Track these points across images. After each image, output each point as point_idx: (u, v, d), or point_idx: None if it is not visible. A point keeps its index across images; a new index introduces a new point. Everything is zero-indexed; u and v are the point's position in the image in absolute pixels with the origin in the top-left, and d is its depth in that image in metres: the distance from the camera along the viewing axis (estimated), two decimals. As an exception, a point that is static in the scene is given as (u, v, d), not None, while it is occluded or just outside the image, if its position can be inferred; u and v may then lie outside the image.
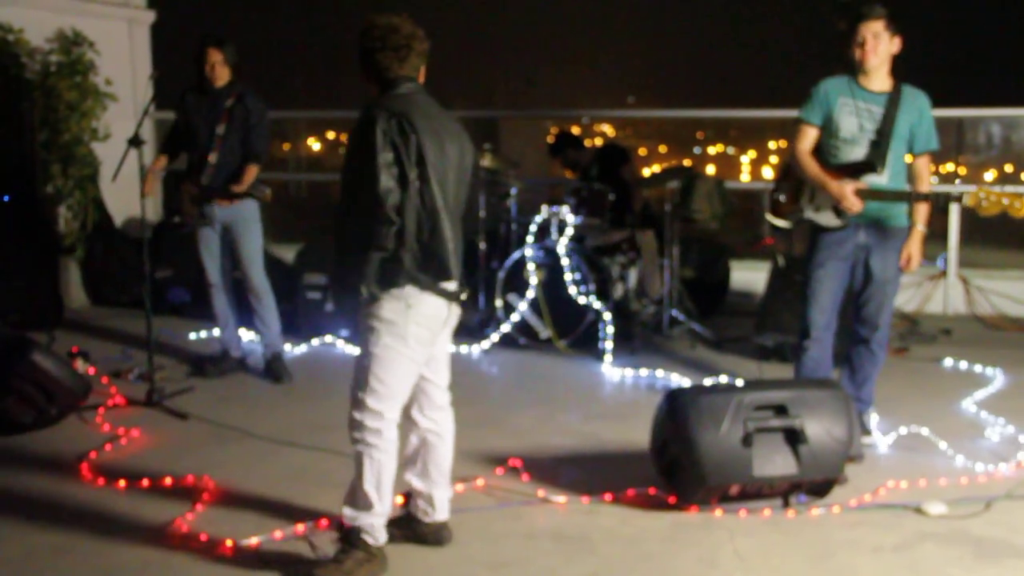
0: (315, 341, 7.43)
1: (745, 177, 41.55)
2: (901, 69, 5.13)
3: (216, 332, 6.97)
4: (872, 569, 3.93)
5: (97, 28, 9.22)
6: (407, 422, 3.97)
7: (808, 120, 5.18)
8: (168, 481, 4.71)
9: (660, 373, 6.69)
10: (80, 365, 6.51)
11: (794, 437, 4.31)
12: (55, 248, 8.49)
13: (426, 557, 4.00)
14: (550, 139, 9.27)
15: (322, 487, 4.56)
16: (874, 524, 4.29)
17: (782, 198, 5.45)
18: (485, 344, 7.36)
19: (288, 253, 8.57)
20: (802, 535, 4.19)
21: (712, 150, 56.91)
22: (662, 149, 51.97)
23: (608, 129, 37.36)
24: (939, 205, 5.12)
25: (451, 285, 3.83)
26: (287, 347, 6.99)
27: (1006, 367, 6.81)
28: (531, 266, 7.33)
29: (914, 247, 5.09)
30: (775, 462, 4.30)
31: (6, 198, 8.00)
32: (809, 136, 5.19)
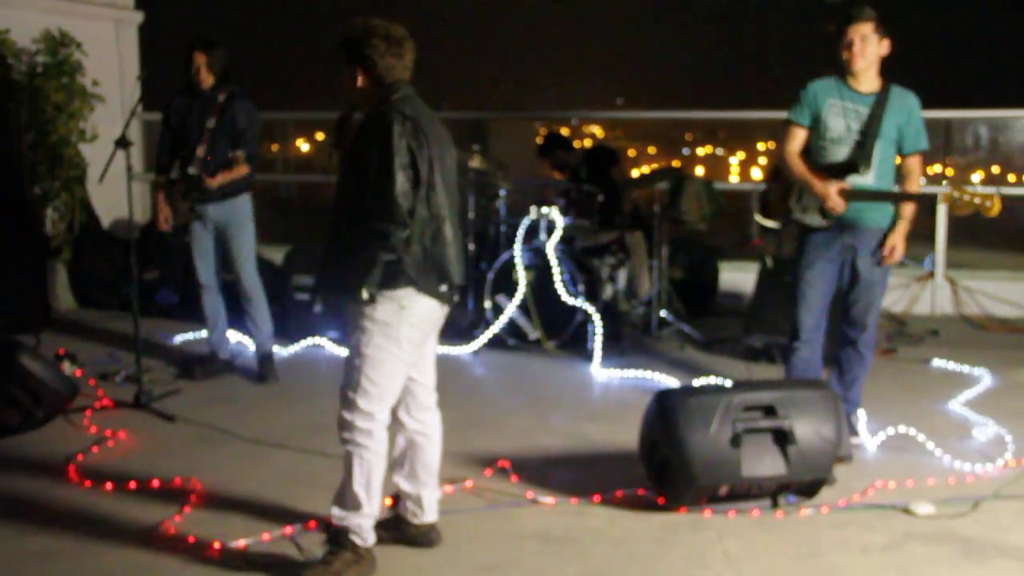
0: (303, 343, 7.42)
1: (734, 178, 41.65)
2: (890, 70, 5.15)
3: (204, 333, 6.95)
4: (860, 569, 3.93)
5: (84, 29, 9.19)
6: (394, 423, 3.96)
7: (797, 121, 5.19)
8: (156, 483, 4.69)
9: (649, 374, 6.69)
10: (67, 367, 6.50)
11: (783, 438, 4.32)
12: (42, 250, 8.45)
13: (415, 559, 4.00)
14: (539, 140, 9.27)
15: (310, 489, 4.55)
16: (862, 524, 4.30)
17: (772, 199, 5.47)
18: (474, 345, 7.36)
19: (276, 255, 8.55)
20: (791, 535, 4.20)
21: (701, 151, 57.05)
22: (651, 150, 52.07)
23: (597, 130, 37.41)
24: (924, 205, 5.12)
25: (447, 288, 3.84)
26: (275, 349, 6.96)
27: (993, 367, 6.83)
28: (520, 267, 7.33)
29: (898, 238, 5.07)
30: (764, 463, 4.31)
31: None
32: (798, 137, 5.20)
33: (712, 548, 4.08)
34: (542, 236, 7.46)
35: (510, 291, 7.38)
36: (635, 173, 9.03)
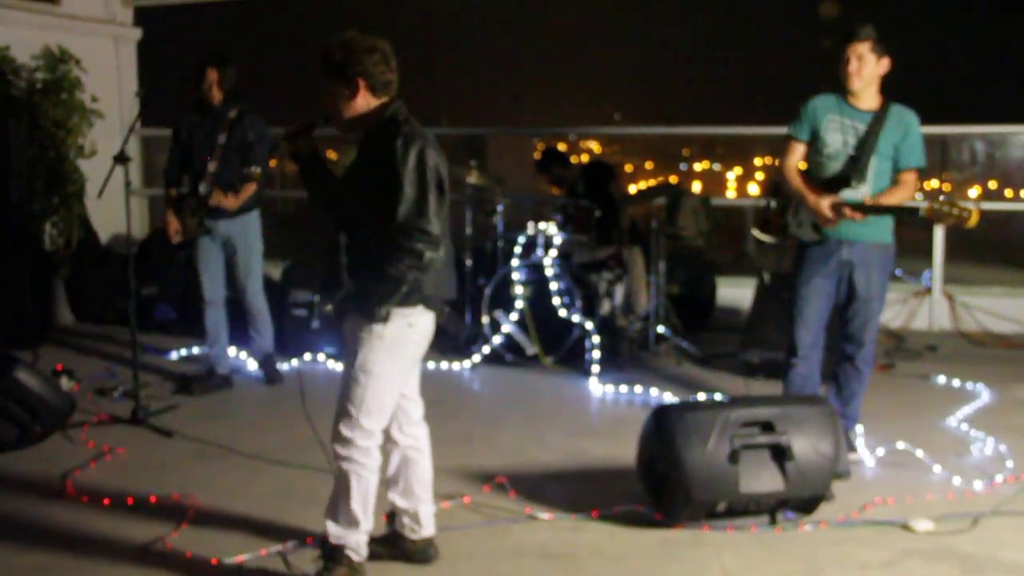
0: (301, 358, 7.42)
1: (731, 194, 41.69)
2: (887, 86, 5.16)
3: (203, 349, 6.95)
4: (859, 586, 3.93)
5: (83, 45, 9.22)
6: (387, 442, 3.94)
7: (796, 136, 5.21)
8: (153, 499, 4.68)
9: (646, 389, 6.69)
10: (65, 383, 6.50)
11: (781, 454, 4.31)
12: (41, 265, 8.45)
13: (412, 575, 3.98)
14: (536, 155, 9.29)
15: (308, 504, 4.54)
16: (861, 541, 4.29)
17: (770, 214, 5.48)
18: (472, 361, 7.36)
19: (274, 270, 8.56)
20: (789, 552, 4.19)
21: (698, 167, 57.15)
22: (648, 166, 52.19)
23: (595, 146, 37.51)
24: (914, 219, 5.13)
25: (446, 300, 3.88)
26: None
27: (991, 383, 6.83)
28: (518, 283, 7.33)
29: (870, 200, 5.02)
30: (762, 479, 4.30)
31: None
32: (797, 152, 5.22)
33: (710, 564, 4.07)
34: (539, 251, 7.47)
35: (508, 306, 7.38)
36: (632, 189, 9.06)
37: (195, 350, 7.64)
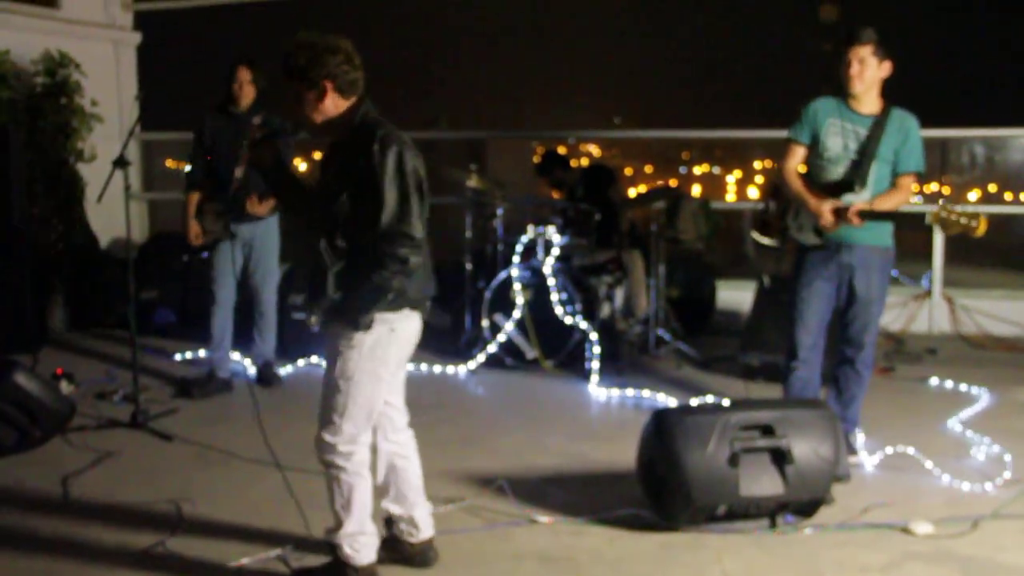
0: (300, 362, 7.42)
1: (730, 197, 41.64)
2: (886, 89, 5.16)
3: (205, 352, 6.96)
4: (859, 589, 3.93)
5: (83, 50, 9.23)
6: (372, 451, 3.94)
7: (796, 139, 5.21)
8: (153, 502, 4.68)
9: (646, 393, 6.69)
10: (64, 386, 6.49)
11: (781, 457, 4.31)
12: (40, 269, 8.45)
13: (412, 579, 3.99)
14: (536, 159, 9.29)
15: (308, 508, 4.53)
16: (861, 544, 4.29)
17: (769, 217, 5.48)
18: (471, 364, 7.36)
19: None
20: (789, 555, 4.19)
21: (698, 170, 57.08)
22: (648, 169, 52.12)
23: (594, 149, 37.45)
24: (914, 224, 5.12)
25: (427, 302, 3.86)
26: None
27: (991, 386, 6.83)
28: (517, 286, 7.33)
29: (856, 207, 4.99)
30: (762, 482, 4.30)
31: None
32: (797, 155, 5.22)
33: (710, 568, 4.07)
34: (539, 255, 7.47)
35: (507, 310, 7.38)
36: (632, 192, 9.05)
37: (200, 353, 7.63)
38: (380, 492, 4.03)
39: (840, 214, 4.96)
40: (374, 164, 3.58)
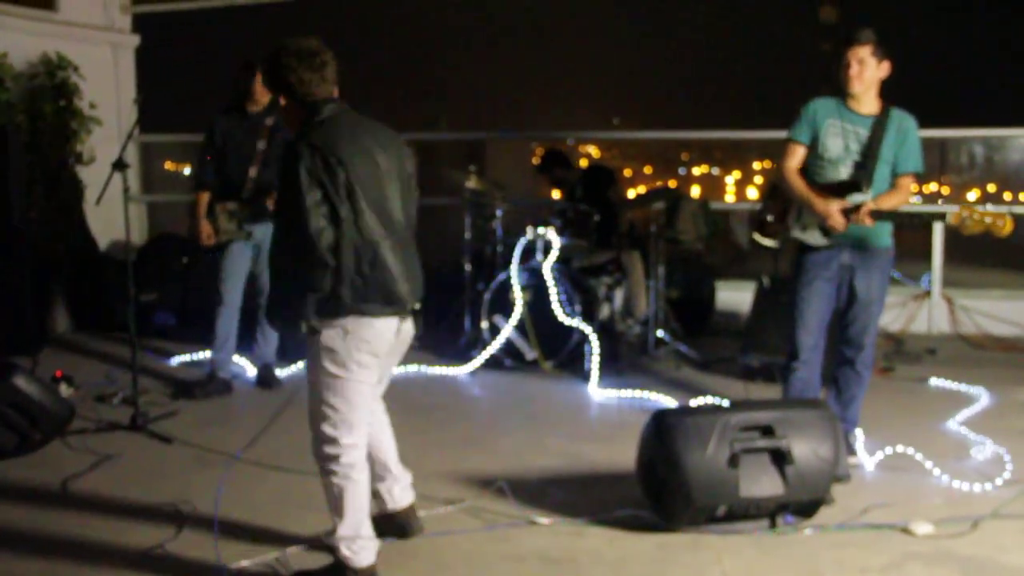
0: (300, 364, 7.41)
1: (730, 198, 41.67)
2: (885, 89, 5.17)
3: (207, 353, 6.97)
4: (859, 589, 3.93)
5: (81, 52, 9.24)
6: None
7: (796, 139, 5.21)
8: (152, 505, 4.68)
9: (646, 394, 6.69)
10: (64, 389, 6.49)
11: (781, 458, 4.31)
12: (39, 272, 8.45)
13: (412, 581, 3.99)
14: (535, 160, 9.30)
15: (307, 510, 4.54)
16: (861, 544, 4.29)
17: (769, 218, 5.47)
18: (471, 366, 7.35)
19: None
20: (789, 555, 4.19)
21: (697, 171, 57.15)
22: (647, 170, 52.18)
23: (593, 150, 37.50)
24: (923, 223, 5.12)
25: (399, 306, 3.79)
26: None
27: (990, 386, 6.83)
28: (517, 288, 7.33)
29: (868, 206, 5.00)
30: (762, 483, 4.30)
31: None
32: (797, 155, 5.21)
33: (710, 569, 4.07)
34: (539, 256, 7.47)
35: (507, 311, 7.38)
36: (631, 193, 9.05)
37: (199, 355, 7.63)
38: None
39: (848, 214, 4.95)
40: (283, 174, 3.67)
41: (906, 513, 4.58)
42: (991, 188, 16.25)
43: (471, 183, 7.94)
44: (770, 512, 4.39)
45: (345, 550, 3.79)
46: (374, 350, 3.75)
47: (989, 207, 4.82)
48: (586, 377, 7.01)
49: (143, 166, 10.82)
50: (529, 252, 7.55)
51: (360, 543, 3.80)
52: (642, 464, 4.53)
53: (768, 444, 4.32)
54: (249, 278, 6.74)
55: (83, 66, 9.08)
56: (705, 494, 4.24)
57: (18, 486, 5.01)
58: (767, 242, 5.47)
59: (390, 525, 4.22)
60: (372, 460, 4.07)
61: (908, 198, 5.21)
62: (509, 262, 7.52)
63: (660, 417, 4.43)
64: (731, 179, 53.57)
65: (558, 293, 7.28)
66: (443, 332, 8.05)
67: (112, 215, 7.83)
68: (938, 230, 8.79)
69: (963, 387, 6.88)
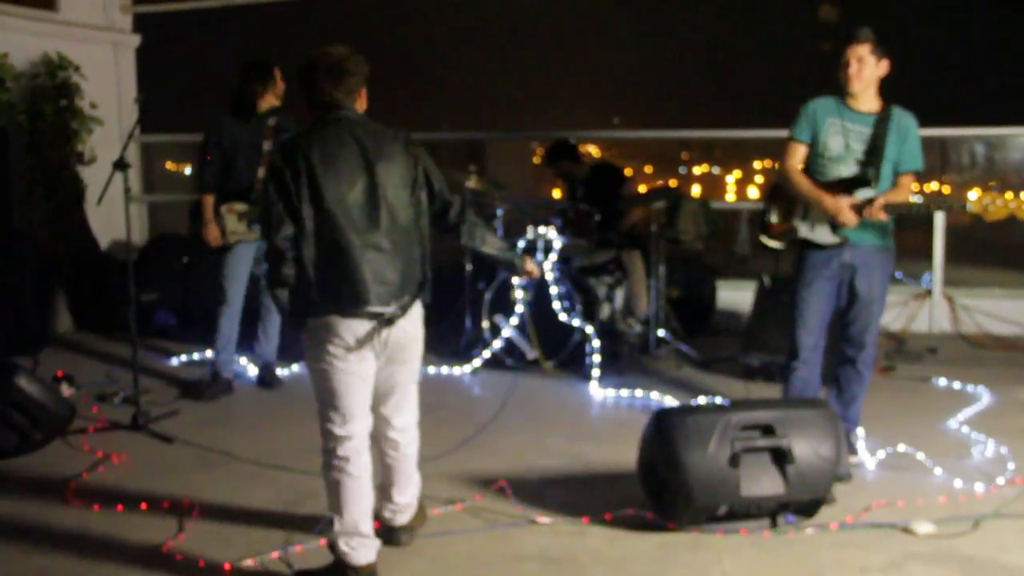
0: (300, 364, 7.42)
1: (730, 197, 41.66)
2: (885, 88, 5.17)
3: (208, 353, 6.97)
4: (860, 589, 3.93)
5: (82, 52, 9.23)
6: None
7: (797, 137, 5.21)
8: (154, 504, 4.68)
9: (647, 393, 6.69)
10: (65, 389, 6.49)
11: (781, 457, 4.31)
12: (40, 272, 8.45)
13: (413, 580, 3.99)
14: (537, 159, 9.26)
15: (309, 508, 4.55)
16: (862, 544, 4.29)
17: (774, 219, 5.45)
18: (472, 365, 7.35)
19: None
20: (790, 555, 4.19)
21: (697, 170, 57.16)
22: (648, 169, 52.17)
23: (594, 150, 37.47)
24: (929, 215, 5.11)
25: (377, 308, 3.81)
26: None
27: (992, 385, 6.83)
28: (517, 287, 7.33)
29: (880, 200, 5.00)
30: (762, 482, 4.30)
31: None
32: (799, 153, 5.21)
33: (711, 568, 4.07)
34: (539, 256, 7.46)
35: (508, 311, 7.38)
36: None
37: (199, 355, 7.64)
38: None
39: (860, 209, 4.95)
40: None
41: (907, 512, 4.59)
42: (992, 186, 16.26)
43: (471, 183, 7.93)
44: (771, 511, 4.40)
45: (343, 546, 3.80)
46: (348, 345, 3.79)
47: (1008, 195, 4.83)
48: (587, 377, 7.01)
49: (144, 166, 10.82)
50: (530, 251, 7.54)
51: (358, 540, 3.81)
52: (643, 464, 4.54)
53: (769, 443, 4.32)
54: (251, 278, 6.74)
55: (84, 66, 9.08)
56: (706, 494, 4.24)
57: (20, 486, 5.01)
58: (774, 244, 5.45)
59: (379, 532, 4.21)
60: (385, 475, 4.17)
61: (909, 196, 5.20)
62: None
63: (661, 416, 4.44)
64: (732, 178, 53.56)
65: (559, 293, 7.28)
66: (444, 332, 8.04)
67: (113, 215, 7.83)
68: (939, 230, 8.79)
69: (964, 386, 6.88)
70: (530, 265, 4.39)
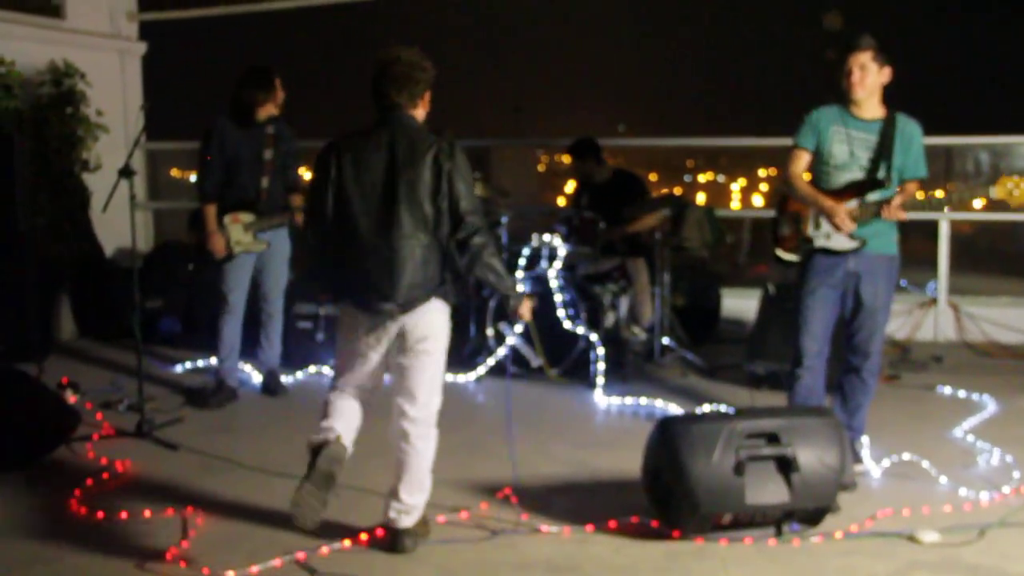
0: (306, 371, 7.42)
1: (735, 205, 41.64)
2: (890, 96, 5.17)
3: (213, 360, 6.97)
4: (865, 598, 3.91)
5: (88, 59, 9.26)
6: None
7: (801, 144, 5.22)
8: (158, 512, 4.68)
9: (651, 401, 6.68)
10: (69, 396, 6.49)
11: (786, 465, 4.30)
12: (45, 279, 8.47)
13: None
14: (542, 167, 9.23)
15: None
16: (867, 552, 4.28)
17: (786, 231, 5.44)
18: (476, 373, 7.35)
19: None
20: (795, 564, 4.18)
21: (702, 178, 57.12)
22: (653, 177, 52.13)
23: (599, 157, 37.48)
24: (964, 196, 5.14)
25: (380, 304, 4.14)
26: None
27: (997, 394, 6.82)
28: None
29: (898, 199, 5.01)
30: (767, 490, 4.29)
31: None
32: (803, 160, 5.22)
33: (716, 576, 4.06)
34: (544, 263, 7.47)
35: (512, 319, 7.37)
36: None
37: (203, 362, 7.65)
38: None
39: (879, 208, 4.95)
40: None
41: (912, 521, 4.58)
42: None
43: (475, 190, 7.91)
44: (776, 520, 4.38)
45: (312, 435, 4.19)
46: (354, 331, 4.26)
47: None
48: (591, 384, 7.00)
49: (149, 173, 10.85)
50: (534, 259, 7.55)
51: (323, 424, 4.22)
52: (648, 471, 4.53)
53: (774, 452, 4.31)
54: (252, 284, 6.74)
55: (90, 73, 9.11)
56: (710, 502, 4.23)
57: (24, 493, 5.01)
58: (789, 257, 5.43)
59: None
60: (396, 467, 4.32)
61: (914, 198, 5.21)
62: (514, 269, 7.52)
63: (666, 424, 4.43)
64: (737, 186, 53.50)
65: (563, 300, 7.27)
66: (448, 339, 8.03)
67: (118, 222, 7.85)
68: (943, 238, 8.78)
69: (969, 395, 6.87)
70: (524, 308, 4.36)
